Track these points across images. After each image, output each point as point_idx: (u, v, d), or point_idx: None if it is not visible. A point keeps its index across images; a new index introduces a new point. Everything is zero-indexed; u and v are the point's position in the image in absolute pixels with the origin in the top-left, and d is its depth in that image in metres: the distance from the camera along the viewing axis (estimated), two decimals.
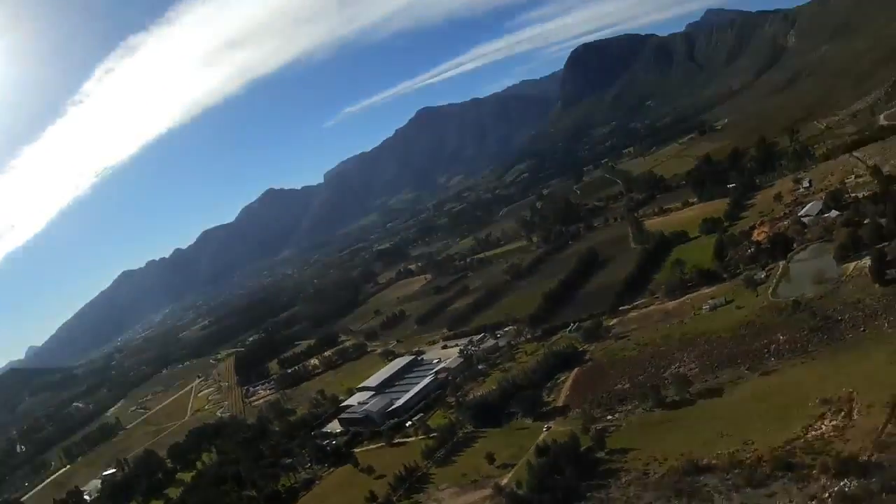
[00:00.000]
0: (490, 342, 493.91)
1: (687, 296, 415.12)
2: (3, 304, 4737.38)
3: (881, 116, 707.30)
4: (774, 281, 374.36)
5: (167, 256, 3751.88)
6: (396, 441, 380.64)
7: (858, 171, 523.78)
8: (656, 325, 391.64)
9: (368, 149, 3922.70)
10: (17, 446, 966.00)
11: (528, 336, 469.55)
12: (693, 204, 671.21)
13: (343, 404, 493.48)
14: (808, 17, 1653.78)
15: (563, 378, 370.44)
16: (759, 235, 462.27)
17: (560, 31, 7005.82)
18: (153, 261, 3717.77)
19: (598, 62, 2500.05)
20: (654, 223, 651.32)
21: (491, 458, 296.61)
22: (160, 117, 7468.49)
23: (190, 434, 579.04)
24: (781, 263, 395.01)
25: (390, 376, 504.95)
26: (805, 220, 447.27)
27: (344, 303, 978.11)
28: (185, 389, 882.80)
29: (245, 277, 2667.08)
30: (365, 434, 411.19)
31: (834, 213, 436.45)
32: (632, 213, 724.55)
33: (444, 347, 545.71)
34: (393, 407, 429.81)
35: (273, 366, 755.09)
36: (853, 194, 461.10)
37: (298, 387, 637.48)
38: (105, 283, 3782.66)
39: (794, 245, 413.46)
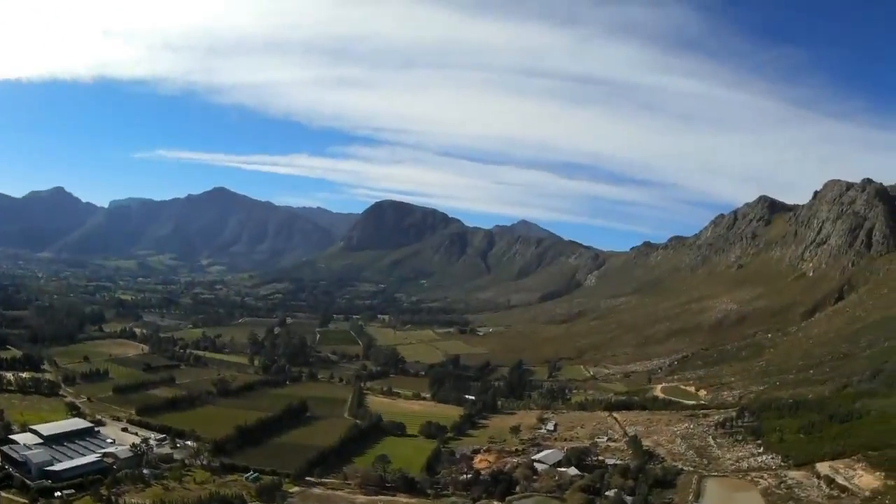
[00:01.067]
0: (167, 449, 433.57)
1: (381, 496, 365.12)
2: None
3: (658, 388, 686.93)
4: None
5: None
6: None
7: (613, 434, 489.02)
8: None
9: (157, 198, 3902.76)
10: None
11: (206, 461, 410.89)
12: (424, 399, 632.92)
13: (9, 436, 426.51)
14: (618, 265, 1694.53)
15: None
16: (480, 462, 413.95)
17: (378, 177, 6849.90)
18: None
19: (395, 222, 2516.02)
20: (377, 402, 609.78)
21: None
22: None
23: None
24: (496, 503, 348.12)
25: (64, 433, 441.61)
26: (538, 465, 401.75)
27: (65, 332, 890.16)
28: None
29: (4, 258, 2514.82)
30: (16, 482, 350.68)
31: (573, 470, 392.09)
32: (359, 382, 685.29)
33: (125, 430, 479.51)
34: (52, 467, 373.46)
35: None
36: (601, 458, 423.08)
37: None
38: None
39: (517, 489, 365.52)
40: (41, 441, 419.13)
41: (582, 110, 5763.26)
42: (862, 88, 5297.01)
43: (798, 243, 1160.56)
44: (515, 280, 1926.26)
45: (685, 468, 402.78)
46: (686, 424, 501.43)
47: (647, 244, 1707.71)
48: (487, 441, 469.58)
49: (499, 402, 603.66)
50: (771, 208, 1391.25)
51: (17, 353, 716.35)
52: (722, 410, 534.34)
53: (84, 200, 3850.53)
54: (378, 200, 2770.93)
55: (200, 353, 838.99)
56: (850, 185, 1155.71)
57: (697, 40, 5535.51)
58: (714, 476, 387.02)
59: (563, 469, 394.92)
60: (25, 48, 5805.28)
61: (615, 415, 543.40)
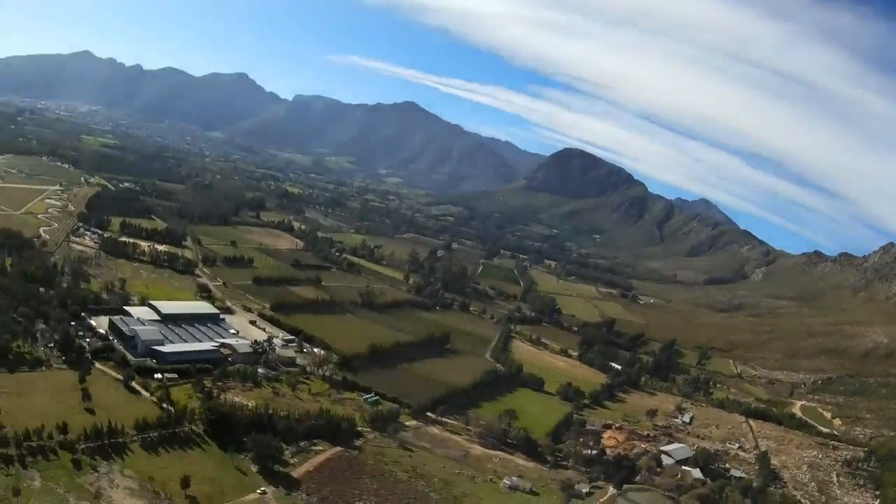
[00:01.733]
0: (291, 352, 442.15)
1: (499, 452, 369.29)
2: None
3: (797, 405, 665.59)
4: None
5: (127, 65, 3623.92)
6: (134, 386, 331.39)
7: (745, 443, 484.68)
8: (448, 461, 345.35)
9: (343, 101, 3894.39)
10: None
11: (328, 373, 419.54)
12: (571, 357, 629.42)
13: (126, 307, 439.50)
14: (786, 266, 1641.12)
15: (318, 448, 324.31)
16: (608, 440, 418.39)
17: (571, 125, 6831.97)
18: (114, 60, 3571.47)
19: (580, 172, 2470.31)
20: (522, 349, 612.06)
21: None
22: None
23: None
24: (612, 490, 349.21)
25: (184, 314, 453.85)
26: (664, 458, 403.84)
27: (218, 213, 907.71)
28: (42, 187, 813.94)
29: (171, 130, 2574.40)
30: (116, 356, 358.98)
31: (697, 473, 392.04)
32: (510, 325, 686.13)
33: (253, 323, 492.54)
34: (161, 347, 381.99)
35: (115, 223, 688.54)
36: (727, 466, 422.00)
37: (116, 260, 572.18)
38: (66, 49, 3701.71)
39: (638, 478, 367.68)
40: (157, 318, 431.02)
41: (778, 105, 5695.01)
42: None
43: None
44: (685, 257, 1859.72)
45: (804, 502, 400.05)
46: (815, 452, 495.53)
47: (817, 253, 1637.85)
48: (621, 418, 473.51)
49: (642, 379, 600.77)
50: None
51: (161, 224, 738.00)
52: (851, 448, 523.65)
53: (267, 90, 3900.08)
54: (567, 147, 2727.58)
55: (357, 259, 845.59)
56: None
57: None
58: None
59: (687, 468, 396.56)
60: None
61: (751, 422, 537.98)
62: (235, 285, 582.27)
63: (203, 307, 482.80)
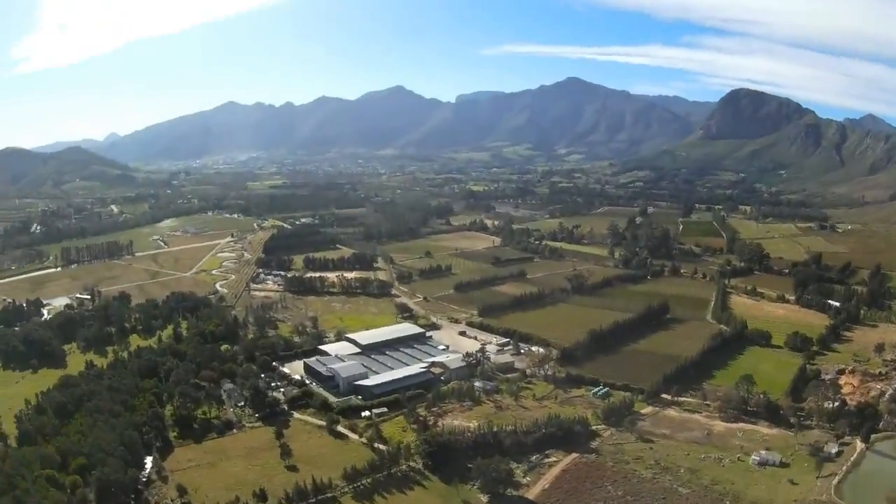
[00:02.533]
0: (507, 357, 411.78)
1: (741, 424, 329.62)
2: (113, 81, 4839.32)
3: None
4: (844, 469, 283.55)
5: (277, 105, 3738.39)
6: (339, 430, 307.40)
7: None
8: (692, 445, 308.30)
9: (506, 91, 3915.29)
10: (35, 226, 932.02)
11: (550, 371, 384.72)
12: (788, 302, 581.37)
13: (321, 346, 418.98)
14: None
15: (552, 460, 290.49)
16: (845, 386, 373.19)
17: (731, 67, 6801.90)
18: (262, 103, 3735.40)
19: (751, 111, 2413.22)
20: (741, 303, 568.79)
21: None
22: None
23: (169, 298, 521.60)
24: (860, 445, 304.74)
25: (386, 341, 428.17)
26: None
27: (405, 228, 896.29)
28: (212, 242, 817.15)
29: (340, 158, 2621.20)
30: (315, 401, 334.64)
31: None
32: (723, 280, 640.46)
33: (462, 333, 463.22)
34: (365, 382, 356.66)
35: (298, 261, 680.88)
36: None
37: (304, 298, 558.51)
38: (208, 105, 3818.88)
39: (881, 424, 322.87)
40: (357, 351, 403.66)
41: None
42: None
43: None
44: (867, 176, 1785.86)
45: None
46: None
47: None
48: (852, 359, 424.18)
49: (861, 312, 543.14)
50: None
51: (348, 251, 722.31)
52: None
53: (427, 97, 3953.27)
54: (733, 89, 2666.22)
55: (556, 244, 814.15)
56: None
57: None
58: None
59: None
60: None
61: None
62: (437, 297, 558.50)
63: (405, 329, 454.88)
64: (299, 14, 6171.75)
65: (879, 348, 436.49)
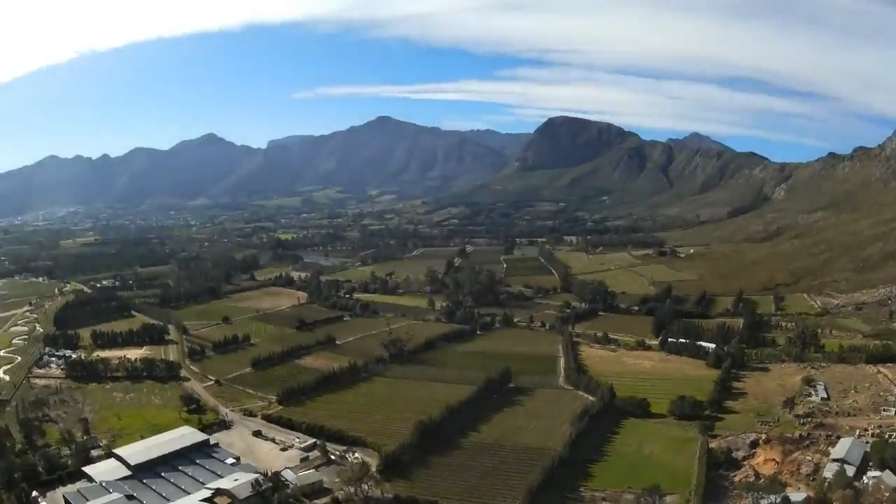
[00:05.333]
0: (312, 472, 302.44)
1: None
2: None
3: None
4: None
5: (94, 158, 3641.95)
6: None
7: (890, 399, 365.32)
8: None
9: (317, 133, 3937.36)
10: None
11: (369, 491, 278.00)
12: (651, 348, 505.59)
13: (86, 468, 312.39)
14: (805, 177, 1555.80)
15: None
16: (765, 464, 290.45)
17: (548, 97, 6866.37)
18: (80, 156, 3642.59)
19: (570, 139, 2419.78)
20: (595, 356, 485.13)
21: None
22: (154, 22, 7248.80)
23: None
24: None
25: (162, 456, 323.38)
26: (837, 466, 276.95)
27: (206, 287, 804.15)
28: (7, 314, 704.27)
29: (153, 210, 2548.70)
30: None
31: (890, 477, 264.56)
32: (567, 328, 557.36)
33: (258, 434, 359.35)
34: None
35: (86, 336, 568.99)
36: (890, 436, 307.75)
37: (86, 386, 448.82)
38: (30, 159, 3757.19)
39: None
40: (127, 474, 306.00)
41: (749, 25, 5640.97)
42: None
43: None
44: (699, 195, 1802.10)
45: None
46: None
47: (831, 155, 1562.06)
48: (757, 421, 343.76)
49: (745, 355, 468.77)
50: None
51: (141, 321, 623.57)
52: None
53: (238, 144, 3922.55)
54: (550, 118, 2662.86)
55: (369, 297, 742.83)
56: None
57: None
58: None
59: (876, 474, 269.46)
60: (172, 5, 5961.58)
61: (882, 370, 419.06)
62: (231, 379, 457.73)
63: (186, 436, 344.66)
64: (109, 63, 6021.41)
65: (789, 403, 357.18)
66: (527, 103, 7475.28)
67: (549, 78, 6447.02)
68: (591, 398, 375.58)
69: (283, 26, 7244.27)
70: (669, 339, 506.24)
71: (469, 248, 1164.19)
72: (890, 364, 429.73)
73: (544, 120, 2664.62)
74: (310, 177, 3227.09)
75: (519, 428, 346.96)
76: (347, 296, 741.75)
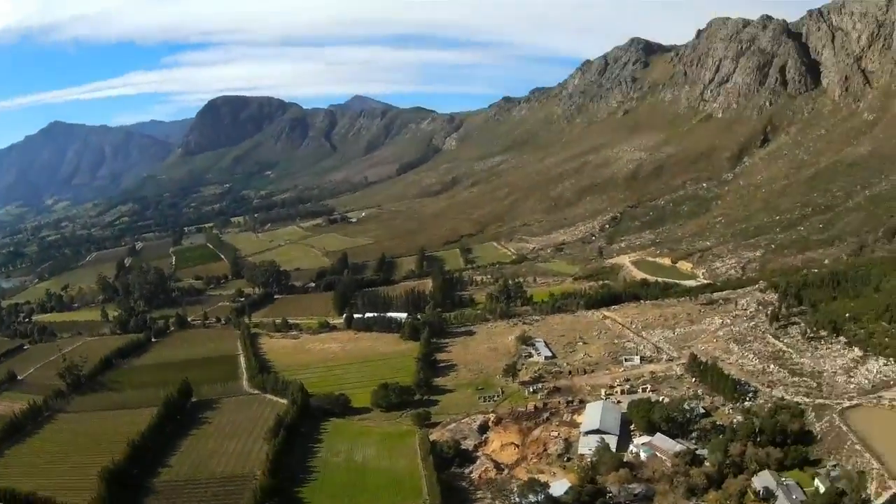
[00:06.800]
0: None
1: None
2: None
3: (627, 264, 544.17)
4: None
5: None
6: None
7: (642, 349, 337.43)
8: None
9: None
10: None
11: None
12: (336, 328, 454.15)
13: None
14: (478, 124, 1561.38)
15: None
16: (502, 451, 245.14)
17: (212, 79, 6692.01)
18: None
19: (231, 118, 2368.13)
20: (277, 348, 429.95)
21: None
22: None
23: None
24: None
25: None
26: (590, 438, 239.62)
27: None
28: None
29: None
30: None
31: (669, 443, 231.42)
32: (243, 320, 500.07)
33: None
34: None
35: None
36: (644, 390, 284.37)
37: None
38: None
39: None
40: None
41: None
42: None
43: (692, 84, 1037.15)
44: (366, 155, 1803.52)
45: (798, 399, 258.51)
46: (719, 319, 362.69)
47: (506, 99, 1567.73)
48: (478, 396, 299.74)
49: (445, 319, 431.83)
50: (647, 50, 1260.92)
51: None
52: (741, 290, 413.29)
53: None
54: (211, 100, 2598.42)
55: (48, 317, 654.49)
56: (746, 22, 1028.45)
57: None
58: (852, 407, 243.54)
59: (646, 440, 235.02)
60: None
61: (608, 314, 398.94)
62: None
63: None
64: None
65: (510, 370, 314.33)
66: (192, 89, 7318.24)
67: (211, 60, 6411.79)
68: (282, 401, 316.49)
69: None
70: (355, 315, 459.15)
71: (139, 245, 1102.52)
72: (615, 307, 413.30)
73: (206, 103, 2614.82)
74: None
75: (212, 453, 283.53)
76: (27, 320, 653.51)
